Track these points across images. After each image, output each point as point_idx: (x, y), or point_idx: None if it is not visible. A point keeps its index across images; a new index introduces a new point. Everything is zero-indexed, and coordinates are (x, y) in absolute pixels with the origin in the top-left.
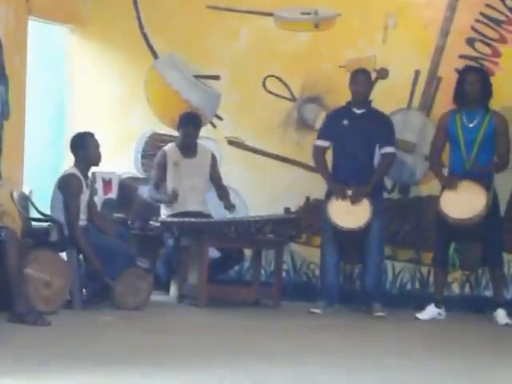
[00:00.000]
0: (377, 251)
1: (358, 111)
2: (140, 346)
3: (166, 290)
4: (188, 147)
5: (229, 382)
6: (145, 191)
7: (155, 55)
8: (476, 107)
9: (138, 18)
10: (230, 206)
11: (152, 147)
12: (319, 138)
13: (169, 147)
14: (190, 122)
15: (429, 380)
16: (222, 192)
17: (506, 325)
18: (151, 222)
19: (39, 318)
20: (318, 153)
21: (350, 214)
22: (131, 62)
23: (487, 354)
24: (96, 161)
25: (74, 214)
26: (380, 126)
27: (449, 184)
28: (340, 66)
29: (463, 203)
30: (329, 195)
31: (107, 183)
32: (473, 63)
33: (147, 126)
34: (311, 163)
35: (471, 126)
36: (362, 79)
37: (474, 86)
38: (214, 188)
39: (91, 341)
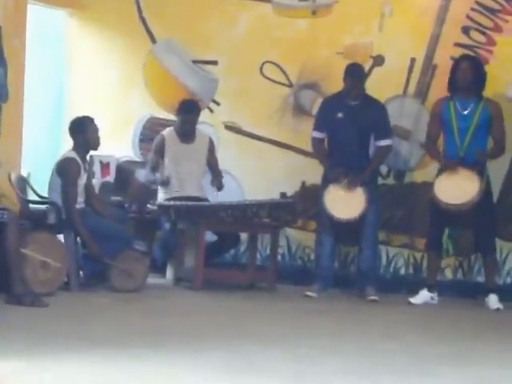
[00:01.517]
0: (371, 236)
1: (353, 102)
2: (137, 327)
3: (163, 272)
4: (186, 134)
5: (225, 364)
6: (142, 175)
7: (153, 40)
8: (469, 95)
9: (137, 2)
10: (218, 185)
11: (150, 131)
12: (315, 129)
13: (167, 132)
14: (190, 110)
15: (421, 363)
16: (216, 177)
17: (498, 310)
18: (148, 206)
19: (36, 299)
20: (316, 143)
21: (345, 203)
22: (129, 47)
23: (479, 338)
24: (95, 145)
25: (72, 198)
26: (375, 117)
27: (450, 166)
28: (337, 53)
29: (457, 189)
30: (325, 182)
31: (105, 166)
32: (468, 51)
33: (145, 110)
34: (307, 149)
35: (465, 113)
36: (355, 80)
37: (467, 73)
38: (211, 173)
39: (88, 322)
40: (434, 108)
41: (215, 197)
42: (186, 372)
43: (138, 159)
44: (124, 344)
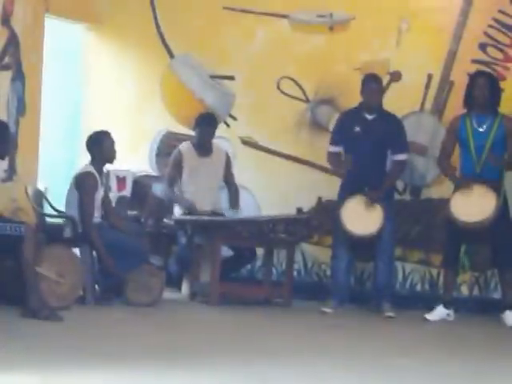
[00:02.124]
0: (387, 252)
1: (370, 116)
2: (152, 342)
3: (178, 287)
4: (204, 147)
5: (240, 380)
6: (158, 189)
7: (171, 55)
8: (485, 111)
9: (155, 17)
10: (234, 206)
11: (167, 146)
12: (332, 143)
13: (184, 146)
14: (207, 123)
15: (436, 381)
16: (232, 193)
17: None
18: (164, 220)
19: (52, 313)
20: (333, 158)
21: (362, 219)
22: (147, 61)
23: (495, 356)
24: (111, 159)
25: (89, 212)
26: (392, 132)
27: (463, 184)
28: (355, 69)
29: (473, 206)
30: (341, 198)
31: (121, 181)
32: (485, 68)
33: (162, 125)
34: (324, 164)
35: (481, 130)
36: (374, 87)
37: (483, 90)
38: (227, 188)
39: (104, 337)
40: (451, 124)
41: (234, 213)
42: None
43: (154, 174)
44: (139, 359)
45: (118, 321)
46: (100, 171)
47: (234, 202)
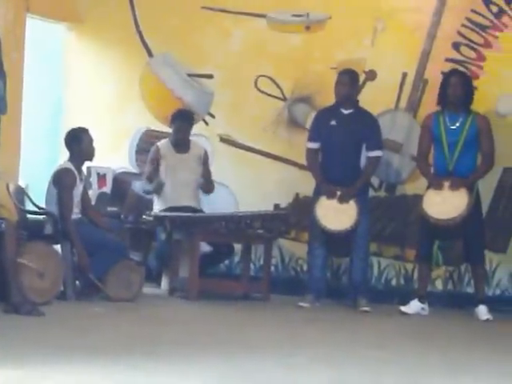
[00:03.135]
0: (363, 248)
1: (346, 111)
2: (132, 337)
3: (158, 282)
4: (181, 143)
5: (219, 373)
6: (138, 186)
7: (150, 54)
8: (459, 109)
9: (134, 16)
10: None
11: (146, 143)
12: (309, 140)
13: (162, 143)
14: (183, 118)
15: (411, 373)
16: (208, 186)
17: (487, 320)
18: (144, 216)
19: (33, 308)
20: (310, 155)
21: (338, 215)
22: (127, 60)
23: (468, 348)
24: (90, 156)
25: (67, 207)
26: (367, 128)
27: (434, 184)
28: (331, 68)
29: (445, 204)
30: (317, 194)
31: (102, 178)
32: (458, 67)
33: (142, 123)
34: (301, 161)
35: (454, 127)
36: (345, 80)
37: (456, 88)
38: (204, 184)
39: (84, 331)
40: (424, 122)
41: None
42: (179, 381)
43: (134, 171)
44: (120, 353)
45: (98, 316)
46: (79, 168)
47: (208, 187)
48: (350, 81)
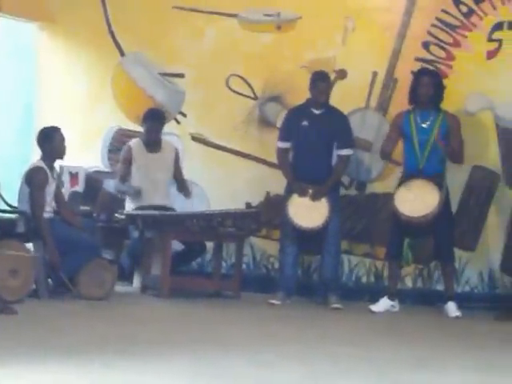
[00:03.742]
0: (333, 245)
1: (317, 111)
2: (105, 335)
3: (130, 280)
4: (152, 142)
5: (191, 370)
6: (111, 185)
7: (122, 53)
8: (429, 108)
9: (106, 16)
10: (186, 192)
11: (118, 142)
12: (280, 139)
13: (134, 142)
14: (154, 118)
15: (380, 368)
16: (181, 184)
17: (456, 317)
18: (116, 215)
19: (6, 307)
20: (281, 154)
21: (309, 212)
22: (99, 59)
23: (437, 345)
24: (61, 154)
25: (39, 205)
26: (338, 127)
27: (406, 180)
28: (301, 67)
29: (417, 201)
30: (288, 192)
31: (74, 176)
32: (428, 66)
33: (114, 122)
34: (272, 160)
35: (425, 126)
36: (322, 86)
37: (427, 87)
38: (176, 183)
39: (57, 330)
40: (395, 120)
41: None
42: (153, 378)
43: (106, 170)
44: (92, 351)
45: (70, 314)
46: (51, 166)
47: (185, 190)
48: (327, 86)
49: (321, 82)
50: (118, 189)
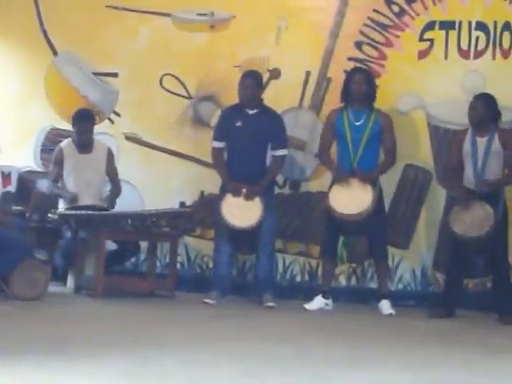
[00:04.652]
0: (268, 244)
1: (251, 111)
2: (37, 335)
3: (64, 281)
4: (83, 143)
5: (125, 370)
6: (43, 185)
7: (55, 52)
8: (362, 106)
9: (38, 14)
10: (109, 204)
11: (51, 142)
12: (215, 139)
13: (65, 143)
14: (83, 119)
15: (313, 366)
16: (114, 189)
17: (390, 315)
18: (49, 215)
19: None
20: (216, 153)
21: (242, 212)
22: (31, 58)
23: (371, 342)
24: None
25: None
26: (272, 127)
27: (341, 178)
28: (235, 66)
29: (351, 199)
30: (223, 192)
31: (6, 176)
32: (361, 65)
33: (47, 121)
34: (206, 159)
35: (358, 124)
36: (247, 82)
37: (360, 85)
38: (110, 183)
39: None
40: (328, 118)
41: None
42: (86, 379)
43: (39, 169)
44: (24, 351)
45: (3, 314)
46: None
47: (110, 200)
48: (252, 83)
49: (245, 78)
50: (53, 192)
